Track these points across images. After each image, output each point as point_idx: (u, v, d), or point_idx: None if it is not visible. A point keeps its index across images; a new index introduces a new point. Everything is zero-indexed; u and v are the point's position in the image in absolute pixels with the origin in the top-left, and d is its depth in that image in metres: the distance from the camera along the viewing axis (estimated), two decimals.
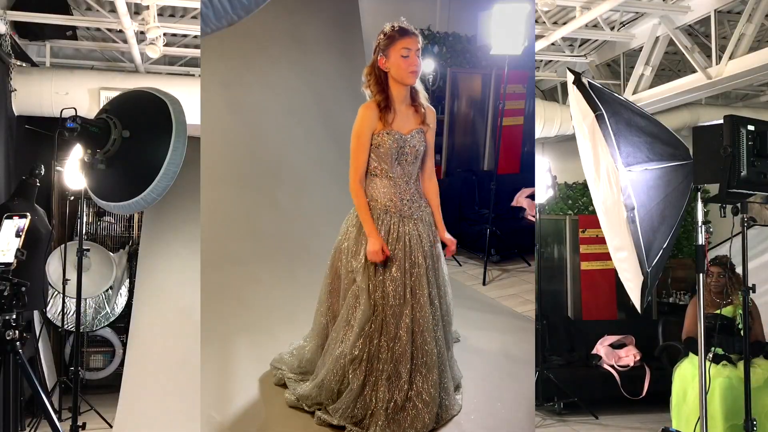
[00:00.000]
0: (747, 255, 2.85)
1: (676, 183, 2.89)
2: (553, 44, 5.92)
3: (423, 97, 2.93)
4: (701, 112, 6.85)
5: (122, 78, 5.71)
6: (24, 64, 5.55)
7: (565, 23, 5.45)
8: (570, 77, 2.97)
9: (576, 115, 2.96)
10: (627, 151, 2.77)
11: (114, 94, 4.41)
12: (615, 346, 5.74)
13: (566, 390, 5.31)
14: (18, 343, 2.63)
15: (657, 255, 2.79)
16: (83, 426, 4.04)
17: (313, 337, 3.15)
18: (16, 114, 5.52)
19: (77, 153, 3.22)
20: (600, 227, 3.01)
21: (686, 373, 3.91)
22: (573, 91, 2.94)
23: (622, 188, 2.72)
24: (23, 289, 2.63)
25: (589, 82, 2.93)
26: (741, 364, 3.54)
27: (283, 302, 3.87)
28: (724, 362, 3.77)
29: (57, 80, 5.54)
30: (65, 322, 5.41)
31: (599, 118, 2.78)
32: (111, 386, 5.65)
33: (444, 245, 3.07)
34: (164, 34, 5.18)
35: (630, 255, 2.77)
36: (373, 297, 2.84)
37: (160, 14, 5.33)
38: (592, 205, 3.12)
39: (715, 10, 5.03)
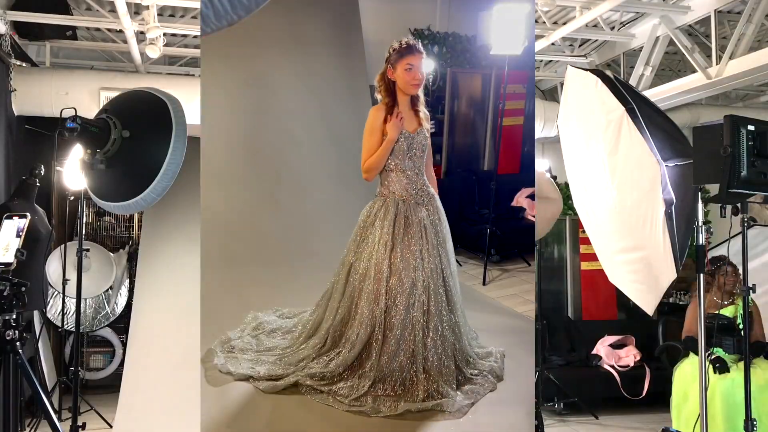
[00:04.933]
0: (747, 255, 2.84)
1: (690, 181, 2.84)
2: (553, 44, 5.91)
3: (421, 103, 3.34)
4: (701, 112, 6.85)
5: (122, 78, 5.71)
6: (24, 64, 5.55)
7: (565, 23, 5.45)
8: (591, 76, 2.91)
9: (592, 112, 2.90)
10: (657, 145, 2.74)
11: (114, 94, 4.40)
12: (615, 346, 5.74)
13: (566, 390, 5.31)
14: (18, 343, 2.63)
15: (684, 254, 2.74)
16: (83, 426, 4.03)
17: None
18: (16, 114, 5.52)
19: (77, 153, 3.22)
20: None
21: (686, 373, 3.90)
22: (595, 88, 2.89)
23: (662, 182, 2.67)
24: (23, 289, 2.64)
25: (614, 77, 2.91)
26: (741, 365, 3.53)
27: (282, 302, 3.87)
28: (726, 373, 3.75)
29: (57, 80, 5.54)
30: (65, 322, 5.41)
31: (630, 111, 2.76)
32: (111, 386, 5.65)
33: None
34: (164, 34, 5.18)
35: (649, 255, 2.70)
36: (390, 263, 3.12)
37: (160, 14, 5.33)
38: None
39: (715, 10, 5.03)
